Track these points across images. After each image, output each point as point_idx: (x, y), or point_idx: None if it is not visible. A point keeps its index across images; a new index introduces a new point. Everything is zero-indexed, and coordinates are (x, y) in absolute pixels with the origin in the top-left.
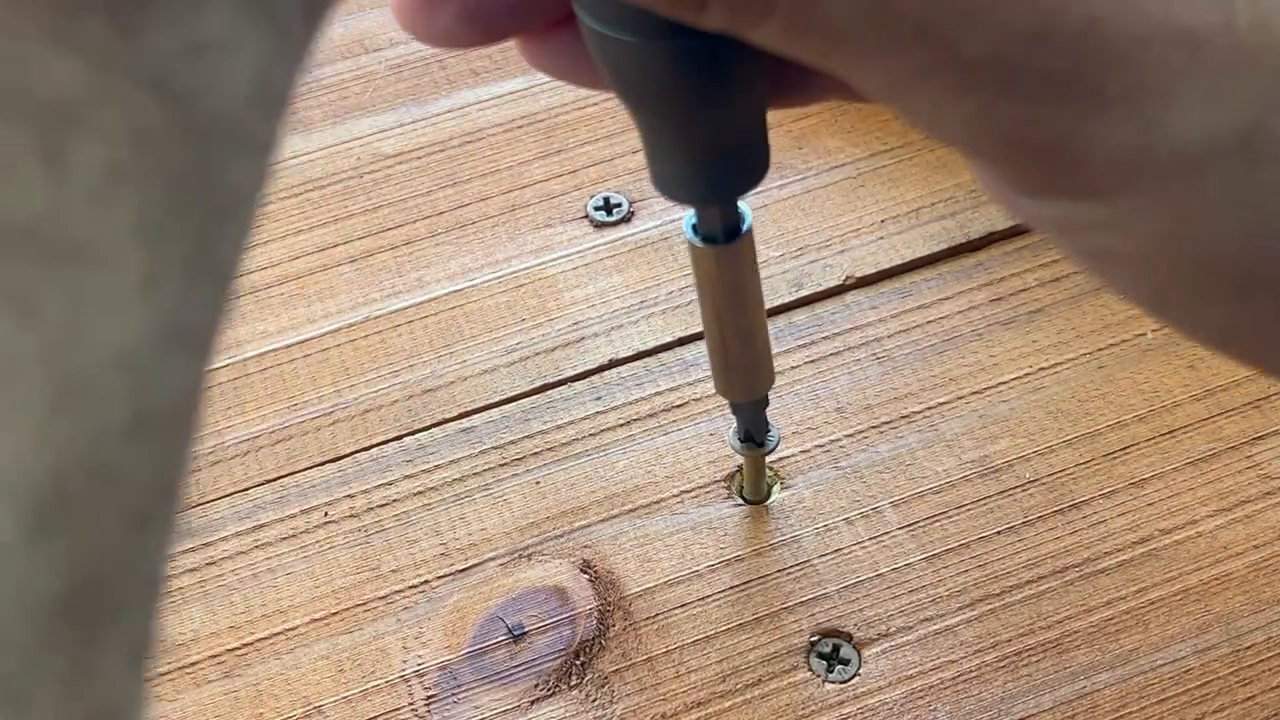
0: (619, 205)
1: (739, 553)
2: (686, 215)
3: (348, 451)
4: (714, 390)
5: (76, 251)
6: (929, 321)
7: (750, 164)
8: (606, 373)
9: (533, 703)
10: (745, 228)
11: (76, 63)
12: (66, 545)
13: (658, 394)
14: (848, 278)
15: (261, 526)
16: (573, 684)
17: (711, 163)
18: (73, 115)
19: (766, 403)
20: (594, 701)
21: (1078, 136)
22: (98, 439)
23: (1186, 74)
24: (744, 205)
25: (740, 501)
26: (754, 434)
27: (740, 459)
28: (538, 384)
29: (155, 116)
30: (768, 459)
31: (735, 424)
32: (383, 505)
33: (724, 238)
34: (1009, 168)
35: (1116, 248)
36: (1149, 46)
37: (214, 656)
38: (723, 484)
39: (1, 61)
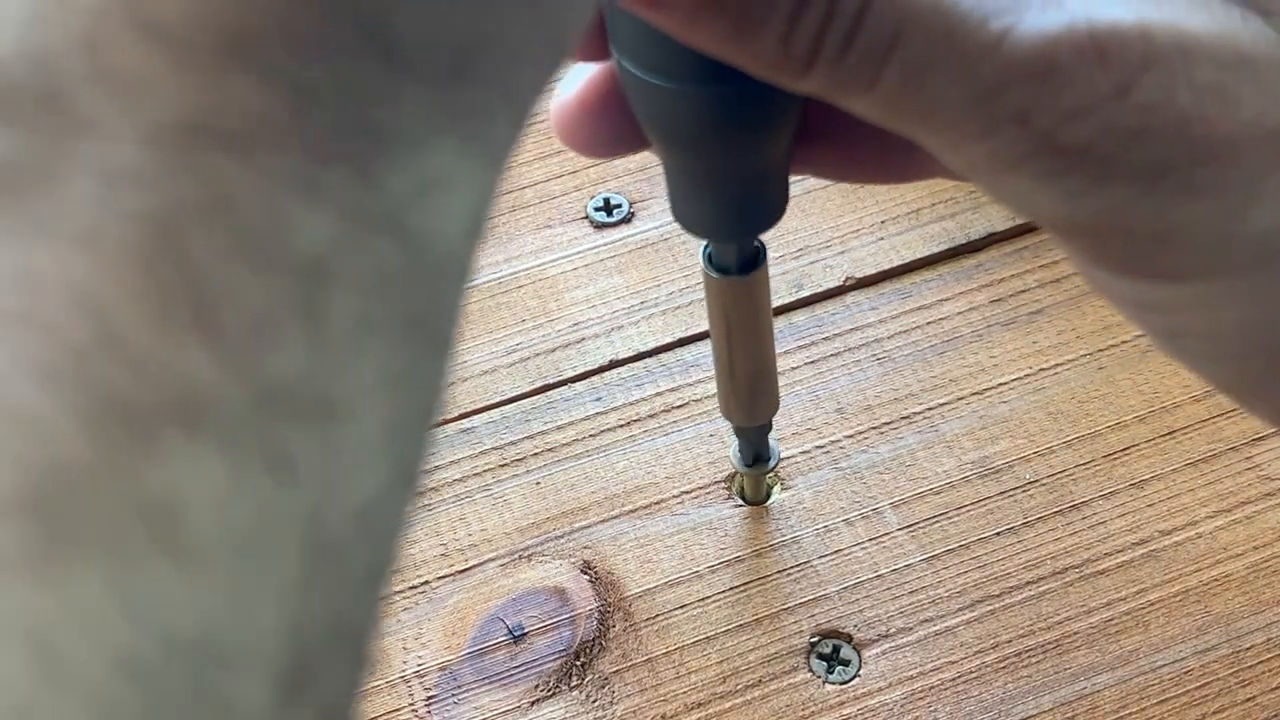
0: (619, 206)
1: (739, 553)
2: (703, 245)
3: None
4: (714, 391)
5: (330, 407)
6: (929, 322)
7: (772, 205)
8: (607, 373)
9: (533, 703)
10: (761, 261)
11: (327, 212)
12: (314, 707)
13: (658, 394)
14: (848, 278)
15: None
16: (573, 685)
17: (735, 203)
18: (327, 267)
19: (770, 427)
20: (594, 702)
21: (1166, 223)
22: (342, 597)
23: (1272, 173)
24: (761, 241)
25: (740, 502)
26: (758, 456)
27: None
28: (538, 384)
29: (396, 261)
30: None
31: (737, 444)
32: None
33: (740, 270)
34: (1097, 248)
35: (1195, 328)
36: (1238, 145)
37: None
38: (723, 485)
39: (259, 215)
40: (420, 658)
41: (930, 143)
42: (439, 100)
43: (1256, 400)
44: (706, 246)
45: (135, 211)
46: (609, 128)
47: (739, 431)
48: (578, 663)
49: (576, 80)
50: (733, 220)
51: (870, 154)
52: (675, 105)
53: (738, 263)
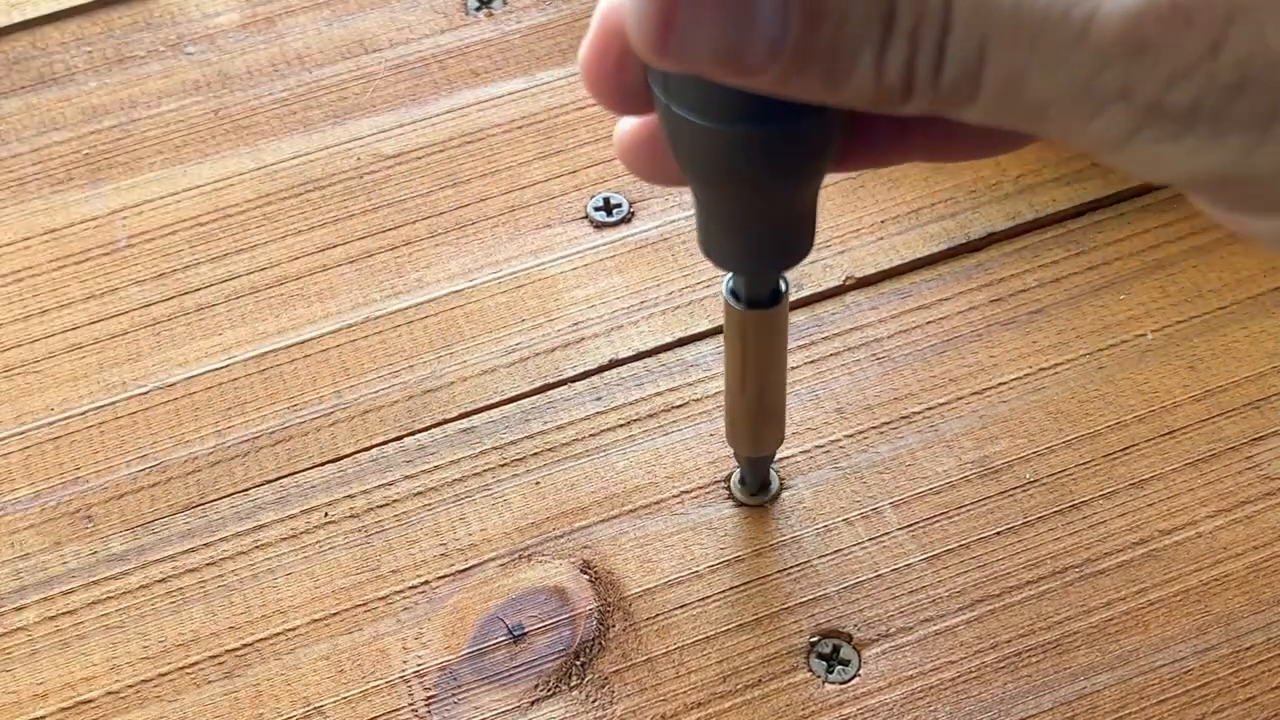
0: (619, 206)
1: (739, 553)
2: (726, 277)
3: (348, 452)
4: (714, 391)
5: None
6: (929, 322)
7: (799, 242)
8: (606, 373)
9: (533, 703)
10: (784, 294)
11: None
12: None
13: (658, 394)
14: (848, 278)
15: (261, 527)
16: (573, 684)
17: (767, 240)
18: None
19: (772, 457)
20: (594, 702)
21: None
22: None
23: None
24: (785, 276)
25: (739, 502)
26: (759, 484)
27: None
28: (538, 384)
29: None
30: None
31: (738, 472)
32: (383, 505)
33: (763, 304)
34: (1231, 196)
35: None
36: None
37: (214, 656)
38: (723, 484)
39: None
40: (420, 658)
41: (1042, 133)
42: None
43: None
44: (729, 279)
45: None
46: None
47: (741, 459)
48: (578, 663)
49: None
50: (763, 255)
51: (980, 133)
52: (718, 144)
53: (762, 296)
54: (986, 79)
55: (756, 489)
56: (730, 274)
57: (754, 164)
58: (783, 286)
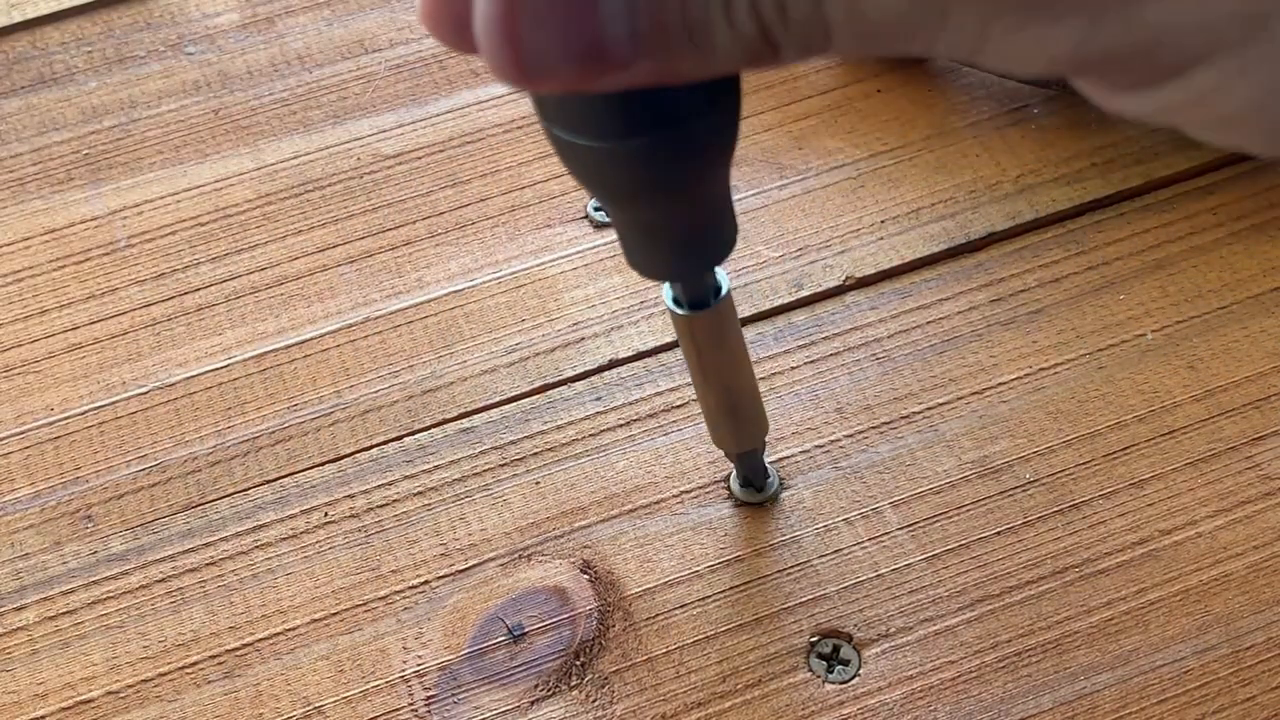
0: None
1: (739, 553)
2: (664, 287)
3: (348, 452)
4: None
5: None
6: (929, 322)
7: (718, 239)
8: (606, 373)
9: (533, 703)
10: (723, 292)
11: None
12: None
13: (658, 394)
14: (848, 278)
15: (261, 526)
16: (573, 684)
17: (682, 244)
18: None
19: (763, 449)
20: (594, 702)
21: (1138, 33)
22: None
23: None
24: (720, 270)
25: (739, 502)
26: (752, 479)
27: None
28: (538, 384)
29: None
30: (767, 460)
31: (734, 470)
32: (383, 505)
33: (702, 305)
34: (1095, 78)
35: (1221, 113)
36: None
37: (214, 656)
38: (723, 484)
39: None
40: (420, 658)
41: (913, 51)
42: None
43: None
44: (666, 288)
45: None
46: None
47: (731, 457)
48: (577, 662)
49: None
50: (684, 259)
51: None
52: (605, 162)
53: (700, 297)
54: (829, 10)
55: (745, 485)
56: (665, 282)
57: (639, 176)
58: (721, 282)
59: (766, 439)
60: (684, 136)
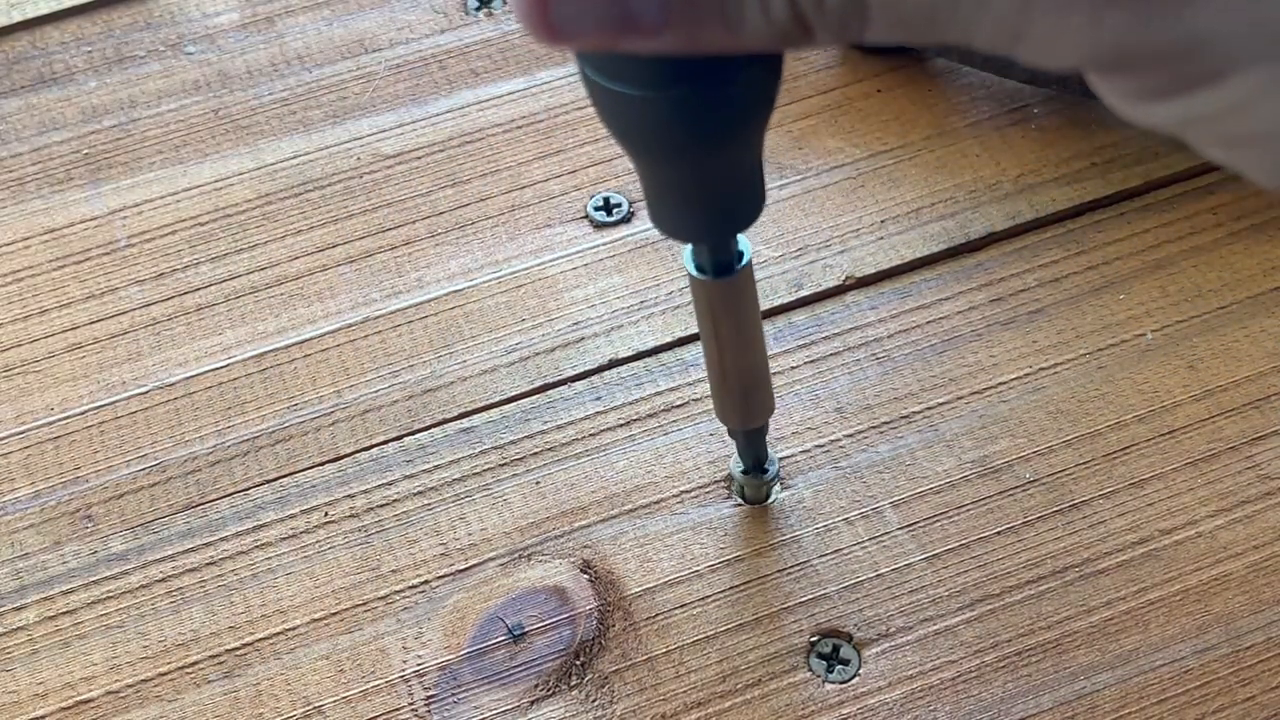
0: (619, 205)
1: (739, 553)
2: (685, 249)
3: (348, 451)
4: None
5: None
6: (929, 322)
7: (748, 203)
8: (606, 373)
9: (533, 703)
10: (745, 261)
11: None
12: None
13: (658, 394)
14: (848, 278)
15: (262, 526)
16: (573, 684)
17: (711, 205)
18: None
19: (766, 429)
20: (594, 702)
21: (1185, 31)
22: None
23: None
24: (743, 237)
25: (740, 502)
26: (757, 459)
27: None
28: (538, 384)
29: None
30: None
31: (735, 452)
32: (383, 505)
33: (723, 271)
34: (1127, 80)
35: (1243, 131)
36: None
37: (214, 656)
38: (723, 484)
39: None
40: (420, 657)
41: (949, 40)
42: None
43: None
44: (688, 252)
45: None
46: None
47: (735, 435)
48: (577, 662)
49: None
50: (711, 221)
51: None
52: (644, 112)
53: (721, 264)
54: None
55: (750, 465)
56: (689, 245)
57: (678, 129)
58: (744, 250)
59: (767, 438)
60: (725, 91)
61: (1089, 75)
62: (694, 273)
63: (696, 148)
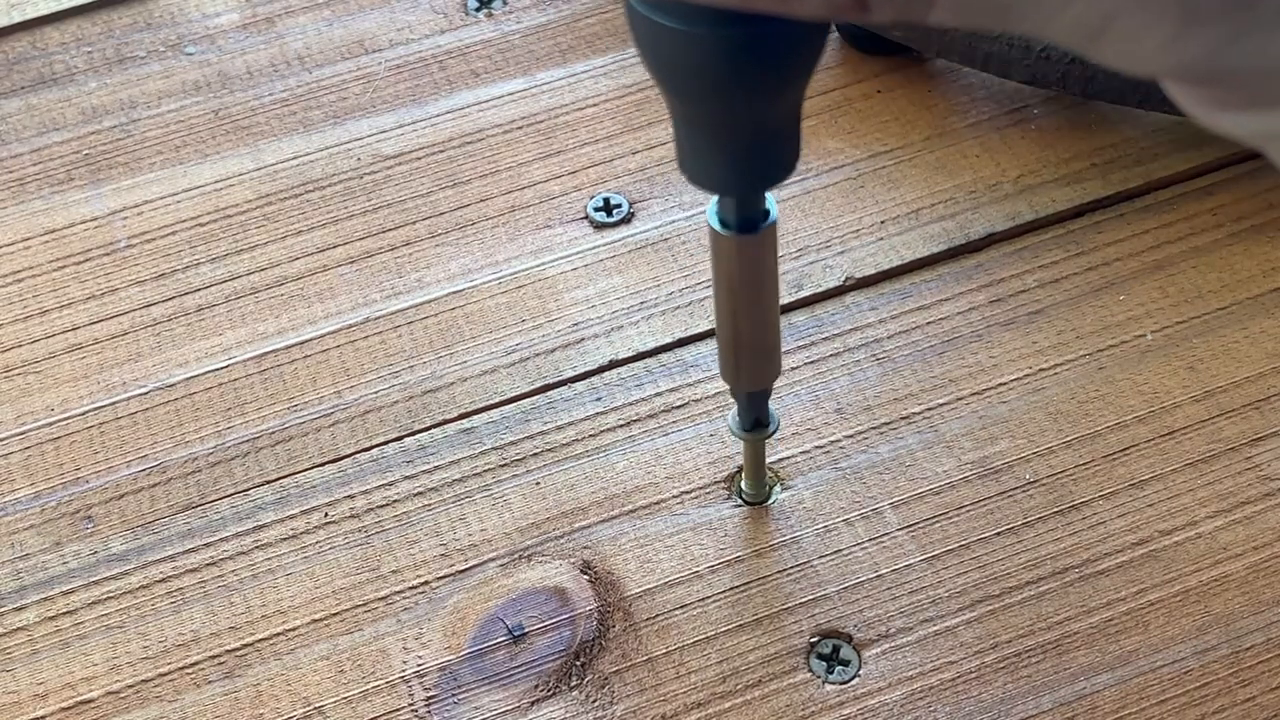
0: (619, 206)
1: (739, 553)
2: (711, 201)
3: (348, 452)
4: (714, 391)
5: None
6: (929, 322)
7: (781, 157)
8: (606, 373)
9: (533, 704)
10: (770, 219)
11: None
12: None
13: (658, 395)
14: (848, 278)
15: (262, 527)
16: (573, 685)
17: (744, 155)
18: None
19: (769, 394)
20: (594, 702)
21: (1277, 53)
22: None
23: None
24: (771, 196)
25: (740, 502)
26: (755, 420)
27: (740, 459)
28: (538, 384)
29: None
30: (767, 460)
31: (735, 412)
32: (383, 506)
33: (749, 227)
34: (1211, 91)
35: None
36: None
37: (214, 657)
38: (723, 485)
39: None
40: (420, 658)
41: (1013, 28)
42: None
43: None
44: (713, 206)
45: None
46: None
47: (739, 398)
48: (577, 663)
49: None
50: (744, 172)
51: None
52: (692, 50)
53: (749, 219)
54: None
55: (751, 425)
56: (715, 199)
57: (723, 70)
58: (771, 208)
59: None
60: (775, 36)
61: (1164, 82)
62: (717, 228)
63: (740, 90)
